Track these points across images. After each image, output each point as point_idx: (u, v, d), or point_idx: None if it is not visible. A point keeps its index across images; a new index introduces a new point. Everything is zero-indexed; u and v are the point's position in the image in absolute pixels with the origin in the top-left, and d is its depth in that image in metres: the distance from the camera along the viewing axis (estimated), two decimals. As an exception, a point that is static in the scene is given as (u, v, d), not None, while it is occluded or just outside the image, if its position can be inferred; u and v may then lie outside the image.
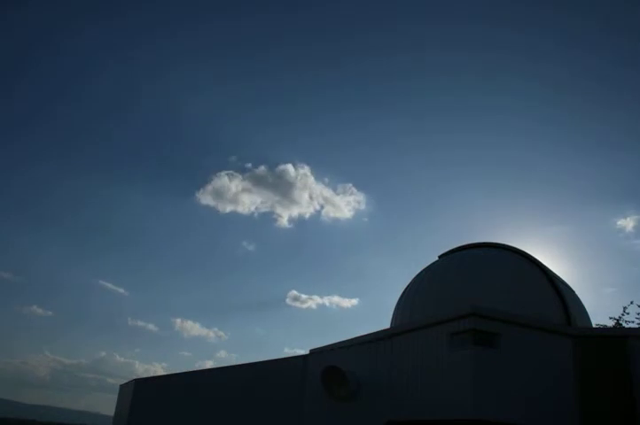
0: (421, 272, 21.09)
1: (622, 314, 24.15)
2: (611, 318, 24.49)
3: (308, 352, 21.27)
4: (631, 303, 24.00)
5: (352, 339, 19.05)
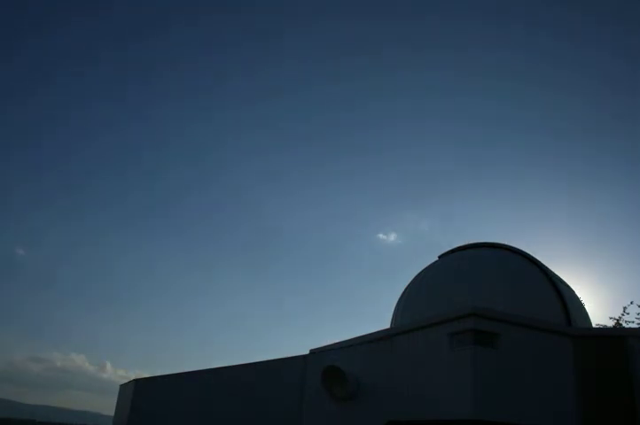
0: (421, 272, 21.09)
1: (622, 314, 24.18)
2: (611, 318, 24.53)
3: (308, 352, 21.27)
4: (631, 303, 24.03)
5: (352, 339, 19.04)
